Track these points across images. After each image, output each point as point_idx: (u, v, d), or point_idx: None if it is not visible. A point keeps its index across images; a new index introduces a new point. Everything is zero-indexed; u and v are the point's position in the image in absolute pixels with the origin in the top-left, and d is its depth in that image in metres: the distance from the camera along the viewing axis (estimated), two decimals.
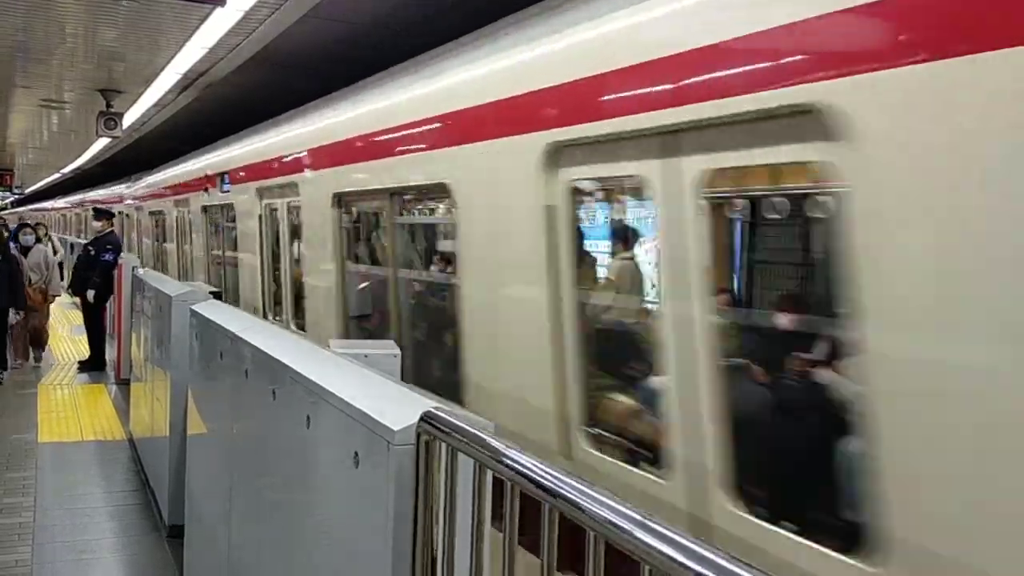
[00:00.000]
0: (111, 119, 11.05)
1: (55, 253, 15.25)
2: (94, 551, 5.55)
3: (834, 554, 2.41)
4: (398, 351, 3.90)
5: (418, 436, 2.17)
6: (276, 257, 8.37)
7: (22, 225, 14.08)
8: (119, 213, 18.87)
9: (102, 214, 12.65)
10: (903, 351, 2.19)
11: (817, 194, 3.08)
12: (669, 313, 3.09)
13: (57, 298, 13.33)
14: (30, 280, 11.91)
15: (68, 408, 9.42)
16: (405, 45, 5.94)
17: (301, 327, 7.28)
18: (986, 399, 1.99)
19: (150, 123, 13.35)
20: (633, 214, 4.23)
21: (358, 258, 6.81)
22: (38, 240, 13.14)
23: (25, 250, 12.33)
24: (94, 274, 11.66)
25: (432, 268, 5.94)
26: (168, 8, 6.80)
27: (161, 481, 6.12)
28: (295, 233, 7.62)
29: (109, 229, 12.31)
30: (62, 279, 14.49)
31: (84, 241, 15.06)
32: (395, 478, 2.23)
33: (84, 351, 12.09)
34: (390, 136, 5.28)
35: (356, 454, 2.46)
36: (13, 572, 5.15)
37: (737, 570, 1.22)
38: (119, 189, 20.63)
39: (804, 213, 3.79)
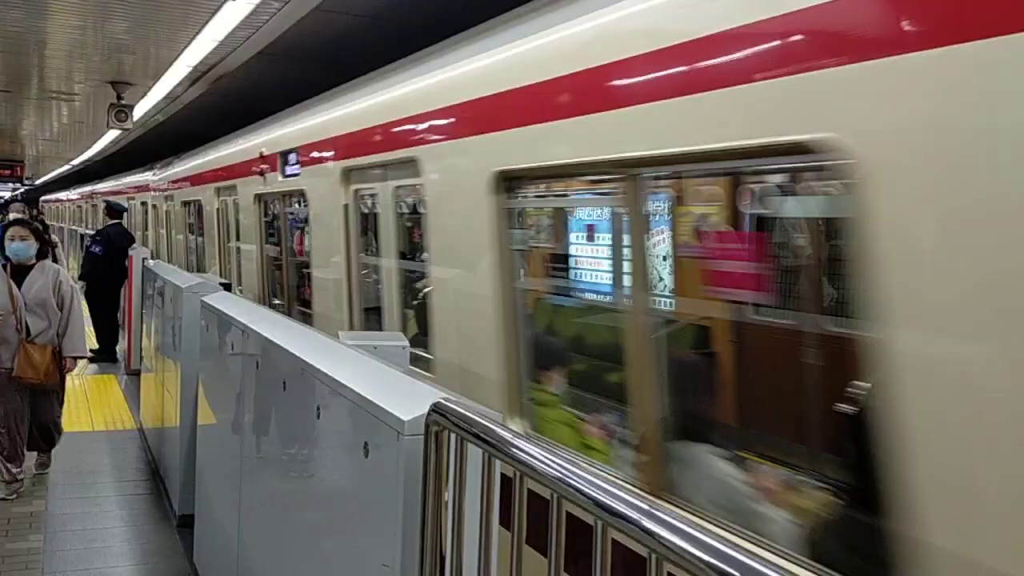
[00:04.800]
0: (122, 111, 11.11)
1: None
2: (105, 540, 5.60)
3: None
4: (407, 343, 3.93)
5: (427, 427, 2.19)
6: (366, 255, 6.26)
7: (12, 223, 7.35)
8: (145, 203, 17.84)
9: (106, 207, 13.01)
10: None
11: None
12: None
13: (78, 363, 7.16)
14: (28, 329, 6.38)
15: (79, 398, 9.47)
16: (413, 38, 5.94)
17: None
18: None
19: (160, 115, 13.39)
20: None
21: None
22: (44, 251, 6.86)
23: (19, 272, 6.54)
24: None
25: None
26: (179, 1, 6.83)
27: (171, 471, 6.17)
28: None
29: (111, 222, 12.41)
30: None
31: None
32: (405, 468, 2.25)
33: (94, 342, 12.14)
34: None
35: (366, 444, 2.48)
36: (26, 560, 5.21)
37: (743, 559, 1.24)
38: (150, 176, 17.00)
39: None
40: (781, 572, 1.19)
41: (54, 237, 14.00)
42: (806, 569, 2.45)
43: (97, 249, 11.69)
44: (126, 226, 12.93)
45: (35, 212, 34.37)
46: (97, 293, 11.61)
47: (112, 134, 16.11)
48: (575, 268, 5.03)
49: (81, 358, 6.88)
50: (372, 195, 6.03)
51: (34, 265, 6.62)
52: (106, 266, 11.45)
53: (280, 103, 8.88)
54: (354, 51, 7.55)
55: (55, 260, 8.08)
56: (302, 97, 8.10)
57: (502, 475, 1.99)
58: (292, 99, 8.44)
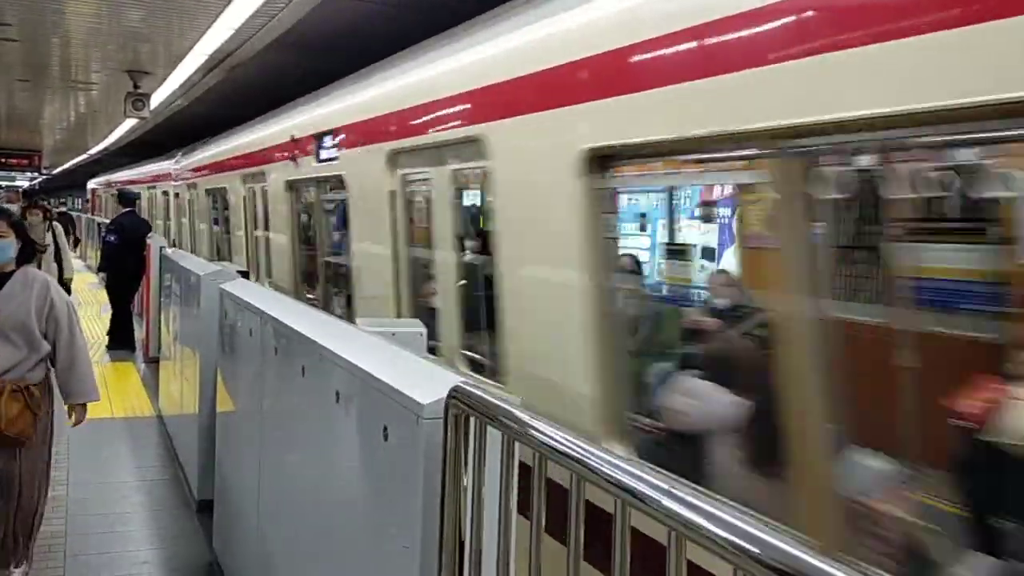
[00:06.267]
0: (139, 100, 11.18)
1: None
2: (125, 524, 5.67)
3: None
4: (424, 329, 3.95)
5: (447, 410, 2.21)
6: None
7: None
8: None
9: (118, 195, 13.29)
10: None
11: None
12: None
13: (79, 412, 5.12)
14: None
15: (98, 386, 9.53)
16: (430, 24, 5.94)
17: None
18: None
19: (175, 104, 13.44)
20: None
21: None
22: (27, 253, 4.68)
23: None
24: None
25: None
26: None
27: (190, 457, 6.22)
28: None
29: (124, 210, 12.49)
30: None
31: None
32: (424, 451, 2.27)
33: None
34: None
35: (385, 428, 2.50)
36: (48, 543, 5.28)
37: (764, 536, 1.24)
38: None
39: None
40: (801, 548, 1.20)
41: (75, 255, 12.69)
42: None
43: (112, 238, 11.79)
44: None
45: (82, 201, 33.34)
46: (115, 282, 11.74)
47: (128, 123, 16.19)
48: None
49: (88, 401, 5.01)
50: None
51: (13, 272, 4.57)
52: (122, 255, 11.54)
53: (296, 92, 8.89)
54: (372, 38, 7.54)
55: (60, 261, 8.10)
56: (318, 86, 8.08)
57: (520, 460, 2.01)
58: (308, 88, 8.45)
